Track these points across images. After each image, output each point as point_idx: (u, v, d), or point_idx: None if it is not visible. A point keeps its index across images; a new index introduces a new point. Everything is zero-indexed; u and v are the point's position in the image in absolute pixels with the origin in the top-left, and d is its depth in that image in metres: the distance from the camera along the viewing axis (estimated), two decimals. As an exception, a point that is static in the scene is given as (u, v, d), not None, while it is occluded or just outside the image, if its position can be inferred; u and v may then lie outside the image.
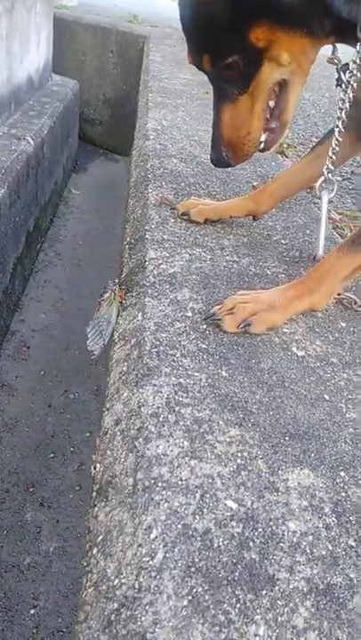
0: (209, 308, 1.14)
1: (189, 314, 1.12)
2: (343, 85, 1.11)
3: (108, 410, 0.97)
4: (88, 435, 2.44)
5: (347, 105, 1.13)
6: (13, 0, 3.05)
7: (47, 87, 4.19)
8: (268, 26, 0.94)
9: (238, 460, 0.81)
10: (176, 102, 2.73)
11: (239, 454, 0.82)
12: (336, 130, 1.17)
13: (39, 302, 3.22)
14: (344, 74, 1.10)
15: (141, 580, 0.65)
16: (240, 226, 1.50)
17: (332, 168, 1.23)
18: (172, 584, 0.64)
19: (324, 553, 0.70)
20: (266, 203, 1.47)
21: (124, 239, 1.59)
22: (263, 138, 1.13)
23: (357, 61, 1.05)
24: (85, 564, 0.74)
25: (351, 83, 1.10)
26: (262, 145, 1.14)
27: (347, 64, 1.09)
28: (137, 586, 0.65)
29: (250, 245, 1.41)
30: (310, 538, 0.72)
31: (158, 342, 1.03)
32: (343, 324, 1.16)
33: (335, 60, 1.12)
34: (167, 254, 1.32)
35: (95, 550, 0.73)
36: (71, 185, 4.65)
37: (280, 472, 0.80)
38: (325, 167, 1.22)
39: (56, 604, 1.82)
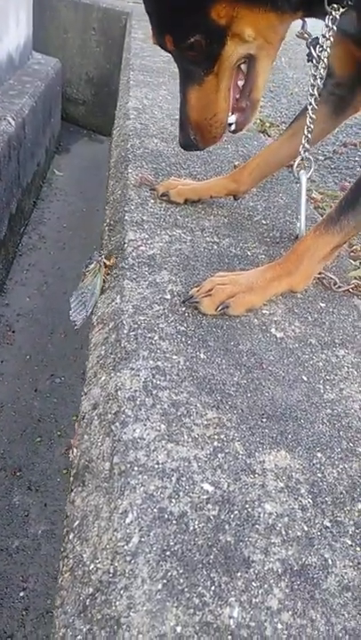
0: (188, 290, 1.13)
1: (168, 296, 1.11)
2: (314, 61, 1.09)
3: (85, 394, 0.96)
4: (75, 418, 2.43)
5: (318, 81, 1.11)
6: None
7: (28, 66, 4.10)
8: (229, 2, 0.91)
9: (215, 443, 0.81)
10: (158, 80, 2.69)
11: (216, 437, 0.82)
12: (309, 107, 1.15)
13: (24, 286, 3.19)
14: (314, 49, 1.08)
15: (116, 564, 0.65)
16: (221, 206, 1.49)
17: (308, 147, 1.21)
18: (147, 568, 0.64)
19: (299, 534, 0.70)
20: (246, 182, 1.45)
21: (104, 220, 1.56)
22: (234, 119, 1.10)
23: (327, 35, 1.03)
24: (62, 550, 0.73)
25: (322, 58, 1.08)
26: (233, 126, 1.11)
27: (316, 38, 1.07)
28: (112, 570, 0.65)
29: (230, 226, 1.40)
30: (286, 519, 0.72)
31: (136, 325, 1.02)
32: (323, 305, 1.16)
33: (305, 35, 1.10)
34: (146, 236, 1.31)
35: (72, 535, 0.73)
36: (54, 166, 4.58)
37: (257, 454, 0.80)
38: (301, 146, 1.20)
39: (45, 587, 1.83)
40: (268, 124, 2.12)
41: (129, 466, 0.76)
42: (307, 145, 1.20)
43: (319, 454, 0.82)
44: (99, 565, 0.66)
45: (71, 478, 0.83)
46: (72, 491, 0.80)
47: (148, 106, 2.27)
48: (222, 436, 0.82)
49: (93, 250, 1.37)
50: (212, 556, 0.66)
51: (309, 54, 1.10)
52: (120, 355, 0.96)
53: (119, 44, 4.46)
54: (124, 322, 1.03)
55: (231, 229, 1.38)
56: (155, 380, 0.90)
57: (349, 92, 1.24)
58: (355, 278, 1.22)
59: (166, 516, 0.70)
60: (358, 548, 0.70)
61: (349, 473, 0.80)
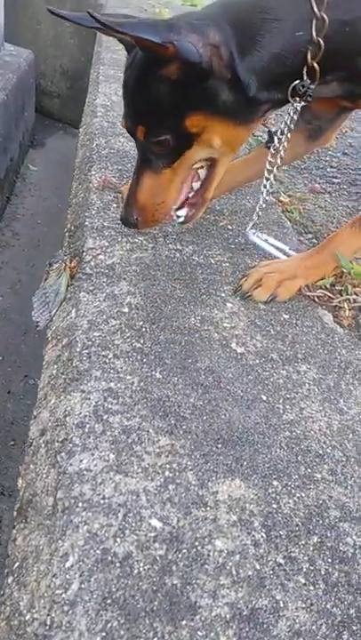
0: (147, 303, 1.08)
1: (126, 309, 1.06)
2: (272, 149, 1.16)
3: (34, 418, 0.91)
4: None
5: (275, 170, 1.19)
6: None
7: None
8: (204, 115, 0.99)
9: (166, 473, 0.77)
10: (128, 75, 2.61)
11: (168, 466, 0.78)
12: (263, 191, 1.23)
13: (-4, 285, 3.11)
14: (272, 140, 1.15)
15: (53, 615, 0.61)
16: (186, 210, 1.44)
17: (257, 218, 1.28)
18: (86, 619, 0.60)
19: (250, 573, 0.67)
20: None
21: (65, 225, 1.51)
22: (184, 212, 1.17)
23: (289, 124, 1.11)
24: (1, 594, 0.69)
25: (280, 148, 1.15)
26: (182, 219, 1.18)
27: (276, 132, 1.15)
28: (49, 622, 0.61)
29: (194, 232, 1.35)
30: (237, 557, 0.68)
31: (90, 342, 0.97)
32: (286, 317, 1.12)
33: (266, 123, 1.14)
34: (106, 243, 1.26)
35: (10, 579, 0.69)
36: (29, 161, 4.48)
37: (210, 484, 0.76)
38: (255, 214, 1.26)
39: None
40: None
41: (73, 501, 0.72)
42: (260, 210, 1.26)
43: (275, 482, 0.78)
44: (35, 616, 0.62)
45: (15, 513, 0.78)
46: (14, 527, 0.76)
47: (117, 103, 2.20)
48: (174, 465, 0.78)
49: (59, 248, 1.32)
50: (156, 603, 0.62)
51: (268, 142, 1.17)
52: (71, 375, 0.91)
53: (94, 35, 4.37)
54: (78, 339, 0.98)
55: (195, 236, 1.34)
56: (106, 404, 0.86)
57: (325, 124, 1.31)
58: (320, 288, 1.18)
59: (110, 558, 0.66)
60: (312, 587, 0.67)
61: (306, 502, 0.76)
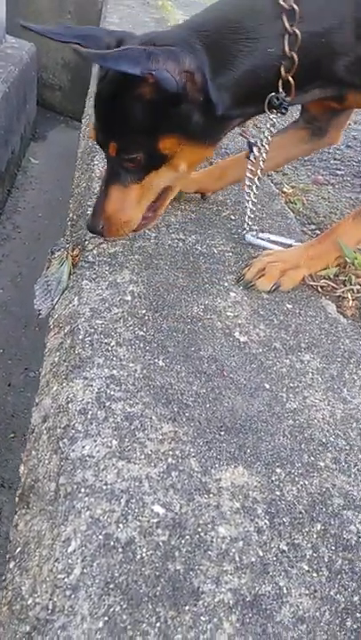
0: (149, 292, 1.07)
1: (128, 298, 1.05)
2: (252, 158, 1.18)
3: (36, 405, 0.91)
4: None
5: (256, 181, 1.22)
6: None
7: (1, 50, 3.97)
8: (177, 138, 1.01)
9: (169, 460, 0.76)
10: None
11: (170, 453, 0.77)
12: (247, 197, 1.26)
13: (-3, 277, 3.11)
14: (252, 150, 1.17)
15: (55, 599, 0.60)
16: (188, 201, 1.43)
17: (250, 222, 1.30)
18: (88, 604, 0.60)
19: (253, 560, 0.66)
20: (217, 183, 1.44)
21: (67, 214, 1.50)
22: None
23: (267, 135, 1.15)
24: (3, 579, 0.68)
25: (260, 160, 1.18)
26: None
27: (255, 142, 1.18)
28: (50, 606, 0.60)
29: (197, 222, 1.34)
30: (240, 544, 0.68)
31: (93, 330, 0.97)
32: (289, 306, 1.11)
33: (245, 134, 1.16)
34: (109, 232, 1.25)
35: (12, 564, 0.68)
36: (30, 154, 4.47)
37: (213, 471, 0.76)
38: (247, 216, 1.28)
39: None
40: (250, 125, 2.05)
41: (75, 487, 0.71)
42: (249, 219, 1.29)
43: (278, 470, 0.78)
44: (37, 600, 0.62)
45: (16, 499, 0.78)
46: (16, 513, 0.75)
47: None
48: (177, 452, 0.78)
49: (61, 237, 1.31)
50: (159, 588, 0.62)
51: (248, 154, 1.19)
52: (74, 362, 0.91)
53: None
54: (80, 326, 0.98)
55: (198, 225, 1.33)
56: (109, 391, 0.85)
57: (325, 123, 1.32)
58: (324, 278, 1.17)
59: (112, 543, 0.65)
60: (315, 574, 0.66)
61: (309, 490, 0.76)
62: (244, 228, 1.29)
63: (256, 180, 1.22)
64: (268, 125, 1.13)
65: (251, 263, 1.18)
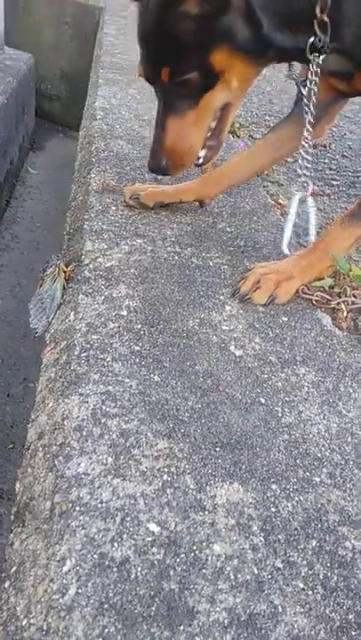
0: (145, 306, 1.08)
1: (124, 312, 1.06)
2: (305, 99, 1.16)
3: (32, 422, 0.91)
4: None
5: (310, 116, 1.17)
6: None
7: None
8: (227, 51, 1.00)
9: (165, 477, 0.76)
10: (128, 78, 2.62)
11: (166, 470, 0.77)
12: (305, 137, 1.21)
13: (-5, 288, 3.11)
14: (303, 88, 1.15)
15: (50, 620, 0.60)
16: (184, 213, 1.44)
17: (307, 171, 1.26)
18: (83, 625, 0.60)
19: (248, 578, 0.66)
20: (215, 188, 1.45)
21: (64, 228, 1.51)
22: (202, 153, 1.18)
23: (313, 78, 1.11)
24: (-2, 599, 0.68)
25: (312, 95, 1.14)
26: (201, 160, 1.19)
27: (304, 80, 1.14)
28: (45, 627, 0.60)
29: (193, 235, 1.35)
30: (235, 562, 0.68)
31: (89, 346, 0.97)
32: (285, 319, 1.12)
33: (293, 77, 1.15)
34: (105, 246, 1.25)
35: (7, 584, 0.68)
36: (28, 164, 4.49)
37: (208, 488, 0.76)
38: (299, 167, 1.26)
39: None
40: (237, 125, 2.07)
41: (70, 505, 0.71)
42: (305, 169, 1.25)
43: (274, 486, 0.78)
44: (32, 621, 0.62)
45: (12, 517, 0.78)
46: (12, 531, 0.75)
47: (116, 105, 2.21)
48: (172, 469, 0.78)
49: (51, 254, 1.32)
50: (153, 608, 0.62)
51: (299, 93, 1.18)
52: (70, 378, 0.91)
53: (93, 39, 4.37)
54: (76, 342, 0.98)
55: (194, 238, 1.33)
56: (104, 407, 0.86)
57: (320, 112, 1.29)
58: (319, 290, 1.17)
59: (107, 562, 0.65)
60: (310, 592, 0.66)
61: (305, 506, 0.76)
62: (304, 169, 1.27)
63: (310, 117, 1.17)
64: (315, 67, 1.08)
65: (246, 276, 1.18)
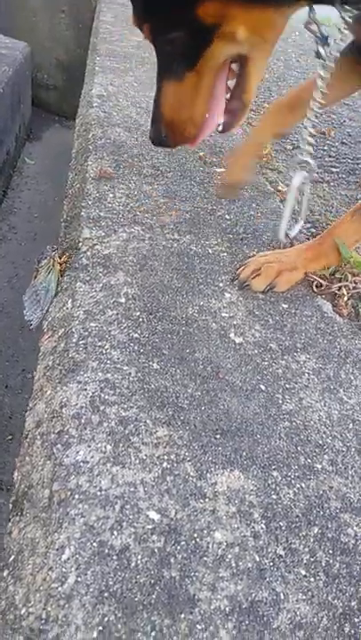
0: (144, 293, 1.07)
1: (122, 300, 1.04)
2: (322, 61, 0.97)
3: (30, 410, 0.90)
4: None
5: (323, 84, 0.99)
6: None
7: (-6, 50, 3.96)
8: (220, 0, 0.80)
9: (164, 464, 0.75)
10: (125, 66, 2.59)
11: (165, 457, 0.76)
12: (312, 109, 1.04)
13: (-7, 279, 3.09)
14: (323, 48, 0.96)
15: (49, 609, 0.60)
16: (183, 200, 1.42)
17: (311, 150, 1.12)
18: (82, 613, 0.59)
19: (250, 565, 0.65)
20: (290, 116, 1.31)
21: (61, 216, 1.49)
22: (222, 119, 0.99)
23: (343, 30, 0.91)
24: (-4, 587, 0.68)
25: (332, 60, 0.96)
26: (221, 127, 1.00)
27: (327, 38, 0.95)
28: (44, 616, 0.59)
29: (192, 222, 1.33)
30: (236, 549, 0.67)
31: (87, 333, 0.96)
32: (285, 306, 1.10)
33: (312, 27, 0.94)
34: (103, 233, 1.24)
35: (6, 572, 0.67)
36: (25, 154, 4.45)
37: (208, 475, 0.75)
38: (300, 150, 1.12)
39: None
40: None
41: (69, 493, 0.70)
42: (308, 147, 1.11)
43: (275, 473, 0.77)
44: (31, 610, 0.61)
45: (10, 505, 0.77)
46: (10, 520, 0.74)
47: (113, 93, 2.18)
48: (172, 456, 0.77)
49: (47, 245, 1.30)
50: (154, 596, 0.61)
51: (318, 52, 0.97)
52: (68, 366, 0.90)
53: (89, 27, 4.32)
54: (74, 329, 0.97)
55: (193, 225, 1.32)
56: (103, 395, 0.84)
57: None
58: (319, 277, 1.16)
59: (107, 550, 0.65)
60: (312, 579, 0.65)
61: (306, 493, 0.75)
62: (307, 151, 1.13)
63: (324, 85, 1.00)
64: (346, 18, 0.89)
65: (246, 263, 1.17)
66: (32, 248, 3.39)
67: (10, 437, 2.32)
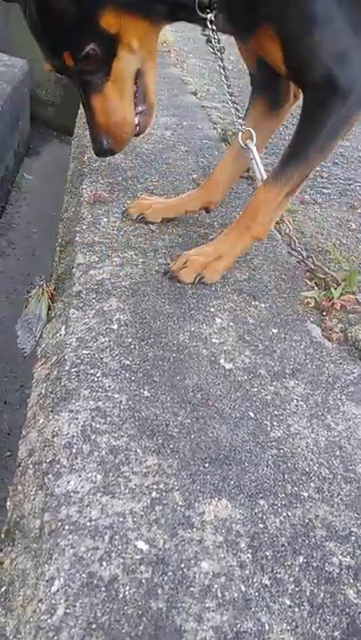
0: (136, 319, 1.09)
1: (115, 326, 1.06)
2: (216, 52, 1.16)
3: (23, 438, 0.92)
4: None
5: (224, 70, 1.20)
6: None
7: (-7, 68, 4.02)
8: (115, 11, 0.98)
9: (153, 494, 0.77)
10: (121, 85, 2.62)
11: (155, 486, 0.78)
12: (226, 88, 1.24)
13: (-10, 295, 3.11)
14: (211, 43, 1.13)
15: (38, 641, 0.61)
16: (176, 224, 1.44)
17: (241, 120, 1.28)
18: (70, 645, 0.60)
19: (236, 595, 0.67)
20: (217, 192, 1.44)
21: (56, 239, 1.52)
22: (136, 121, 1.15)
23: (212, 35, 1.09)
24: (-12, 618, 0.69)
25: (220, 49, 1.15)
26: (138, 128, 1.17)
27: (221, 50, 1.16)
28: (33, 648, 0.61)
29: (185, 245, 1.35)
30: (223, 579, 0.68)
31: (79, 361, 0.98)
32: (275, 331, 1.12)
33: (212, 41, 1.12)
34: (97, 259, 1.26)
35: (-3, 603, 0.69)
36: (24, 170, 4.49)
37: (197, 504, 0.77)
38: (236, 120, 1.28)
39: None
40: (230, 133, 2.07)
41: (60, 524, 0.72)
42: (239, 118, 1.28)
43: (262, 501, 0.79)
44: (21, 641, 0.62)
45: (2, 535, 0.78)
46: (1, 550, 0.76)
47: (109, 114, 2.21)
48: (161, 486, 0.78)
49: (34, 276, 1.33)
50: (141, 627, 0.63)
51: (220, 65, 1.20)
52: (60, 394, 0.92)
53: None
54: (67, 357, 0.99)
55: (185, 249, 1.34)
56: (94, 424, 0.86)
57: (275, 85, 1.28)
58: (308, 299, 1.18)
59: (95, 581, 0.66)
60: (297, 609, 0.67)
61: (292, 521, 0.77)
62: (240, 122, 1.28)
63: (224, 71, 1.21)
64: (209, 24, 1.07)
65: (177, 257, 1.25)
66: (31, 263, 3.42)
67: (9, 454, 2.32)
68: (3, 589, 0.70)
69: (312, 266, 1.30)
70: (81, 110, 2.40)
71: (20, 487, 0.83)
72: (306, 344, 1.11)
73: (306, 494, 0.81)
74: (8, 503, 0.83)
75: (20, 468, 0.86)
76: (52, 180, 4.57)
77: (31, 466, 0.84)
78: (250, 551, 0.72)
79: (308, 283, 1.28)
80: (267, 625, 0.65)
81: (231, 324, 1.12)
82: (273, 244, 1.44)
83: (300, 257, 1.34)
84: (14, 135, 4.18)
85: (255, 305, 1.19)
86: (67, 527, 0.71)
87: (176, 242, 1.37)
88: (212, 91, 3.07)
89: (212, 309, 1.15)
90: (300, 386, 1.00)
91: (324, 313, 1.19)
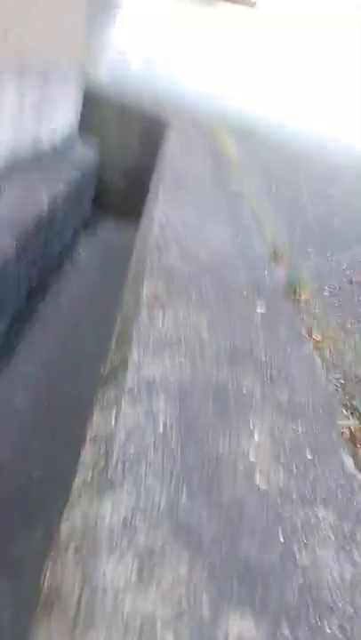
0: (181, 424, 1.16)
1: (161, 429, 1.14)
2: None
3: (65, 519, 0.97)
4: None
5: None
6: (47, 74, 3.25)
7: (69, 155, 4.40)
8: None
9: (183, 602, 0.81)
10: (186, 194, 2.85)
11: (185, 593, 0.82)
12: None
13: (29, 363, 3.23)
14: None
15: None
16: (225, 334, 1.54)
17: None
18: None
19: None
20: None
21: (114, 331, 1.63)
22: None
23: None
24: None
25: None
26: None
27: None
28: None
29: (231, 357, 1.45)
30: None
31: (125, 456, 1.05)
32: (309, 457, 1.18)
33: None
34: (150, 358, 1.36)
35: None
36: (80, 246, 4.77)
37: (222, 619, 0.80)
38: None
39: None
40: (280, 253, 2.22)
41: (94, 613, 0.76)
42: None
43: (286, 631, 0.82)
44: None
45: (38, 607, 0.83)
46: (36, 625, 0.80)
47: (173, 221, 2.39)
48: (191, 595, 0.83)
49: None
50: None
51: None
52: (105, 485, 0.98)
53: (155, 144, 4.78)
54: (115, 449, 1.06)
55: (231, 361, 1.43)
56: (134, 520, 0.92)
57: None
58: (343, 429, 1.25)
59: None
60: None
61: (312, 655, 0.80)
62: None
63: None
64: None
65: None
66: (72, 334, 3.57)
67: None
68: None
69: (348, 397, 1.38)
70: (147, 214, 2.60)
71: (59, 566, 0.88)
72: (339, 474, 1.16)
73: (328, 630, 0.84)
74: (46, 578, 0.88)
75: (61, 548, 0.91)
76: (103, 257, 4.85)
77: (72, 547, 0.89)
78: None
79: (344, 412, 1.35)
80: None
81: (268, 443, 1.19)
82: (313, 367, 1.52)
83: (338, 385, 1.42)
84: (76, 215, 4.51)
85: (292, 427, 1.26)
86: (99, 619, 0.76)
87: (223, 352, 1.47)
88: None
89: (251, 426, 1.22)
90: (330, 516, 1.05)
91: (359, 445, 1.24)
